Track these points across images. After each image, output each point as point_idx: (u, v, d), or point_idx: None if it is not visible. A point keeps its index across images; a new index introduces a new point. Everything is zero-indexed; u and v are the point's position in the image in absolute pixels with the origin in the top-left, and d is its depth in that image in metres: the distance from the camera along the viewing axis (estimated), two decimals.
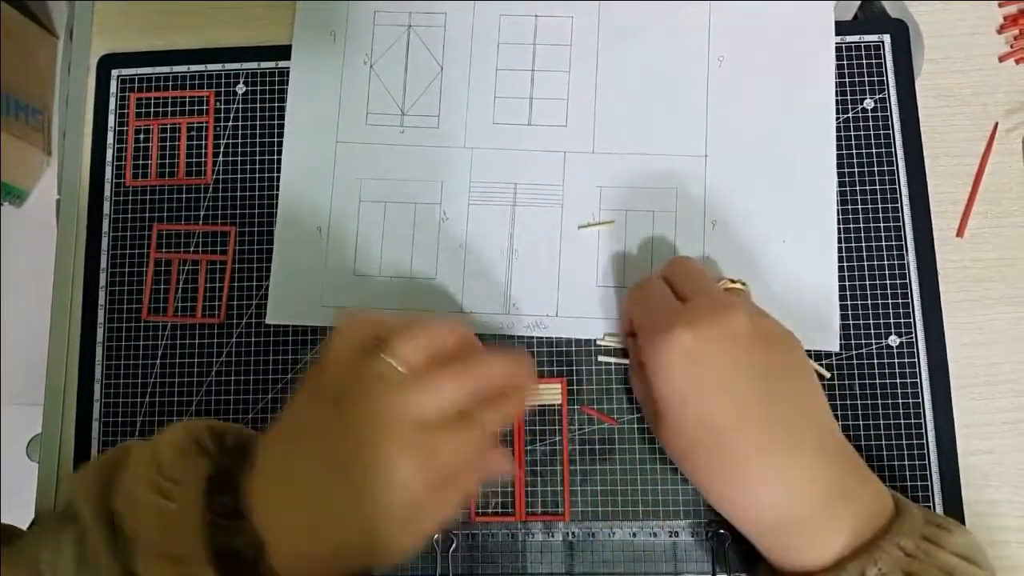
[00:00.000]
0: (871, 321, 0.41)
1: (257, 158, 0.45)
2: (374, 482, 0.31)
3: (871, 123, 0.43)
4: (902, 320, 0.41)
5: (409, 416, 0.31)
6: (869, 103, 0.43)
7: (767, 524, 0.34)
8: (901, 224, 0.42)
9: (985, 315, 0.41)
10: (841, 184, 0.42)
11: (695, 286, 0.36)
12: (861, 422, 0.40)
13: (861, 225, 0.42)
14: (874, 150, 0.43)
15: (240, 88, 0.46)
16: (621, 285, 0.42)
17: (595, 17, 0.45)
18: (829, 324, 0.41)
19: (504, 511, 0.40)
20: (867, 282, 0.41)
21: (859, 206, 0.42)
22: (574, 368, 0.42)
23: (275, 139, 0.45)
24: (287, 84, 0.45)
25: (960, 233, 0.42)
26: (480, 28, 0.45)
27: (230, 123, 0.45)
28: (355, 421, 0.31)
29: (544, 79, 0.44)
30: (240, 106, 0.46)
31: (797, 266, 0.42)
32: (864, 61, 0.43)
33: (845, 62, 0.43)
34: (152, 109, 0.46)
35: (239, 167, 0.45)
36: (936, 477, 0.39)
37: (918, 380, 0.40)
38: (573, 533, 0.40)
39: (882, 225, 0.42)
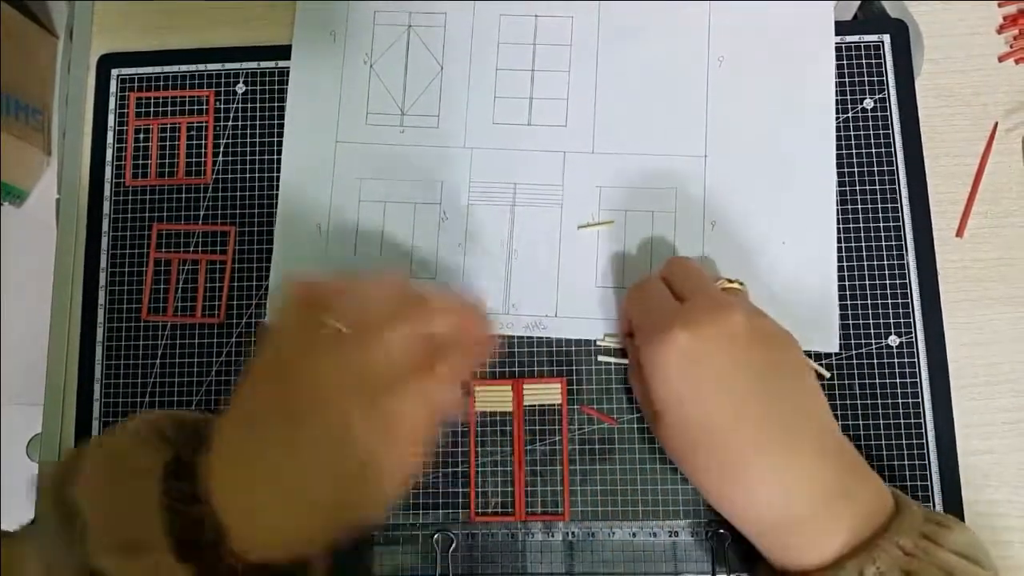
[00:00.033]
0: (871, 321, 0.41)
1: (257, 158, 0.45)
2: (332, 445, 0.30)
3: (871, 123, 0.43)
4: (902, 320, 0.41)
5: (356, 372, 0.31)
6: (869, 103, 0.43)
7: (766, 524, 0.34)
8: (901, 224, 0.42)
9: (985, 315, 0.41)
10: (841, 184, 0.42)
11: (693, 286, 0.36)
12: (861, 422, 0.40)
13: (861, 225, 0.42)
14: (874, 150, 0.43)
15: (240, 88, 0.46)
16: (620, 285, 0.42)
17: (595, 17, 0.45)
18: (829, 324, 0.41)
19: (504, 511, 0.40)
20: (867, 282, 0.41)
21: (859, 206, 0.42)
22: (574, 368, 0.42)
23: (275, 139, 0.45)
24: (287, 84, 0.45)
25: (960, 233, 0.42)
26: (480, 28, 0.45)
27: (230, 123, 0.45)
28: (304, 387, 0.31)
29: (544, 79, 0.44)
30: (240, 106, 0.46)
31: (797, 266, 0.42)
32: (864, 61, 0.43)
33: (845, 62, 0.43)
34: (152, 109, 0.46)
35: (239, 167, 0.45)
36: (936, 477, 0.39)
37: (918, 380, 0.40)
38: (573, 533, 0.40)
39: (882, 225, 0.42)
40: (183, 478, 0.31)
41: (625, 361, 0.41)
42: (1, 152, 0.90)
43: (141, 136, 0.46)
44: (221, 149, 0.45)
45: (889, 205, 0.42)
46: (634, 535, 0.40)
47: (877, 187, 0.42)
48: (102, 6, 0.48)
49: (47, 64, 0.98)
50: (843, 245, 0.42)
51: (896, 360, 0.41)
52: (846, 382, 0.41)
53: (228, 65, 0.46)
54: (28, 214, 0.99)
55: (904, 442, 0.40)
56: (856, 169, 0.42)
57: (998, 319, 0.41)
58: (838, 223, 0.42)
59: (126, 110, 0.46)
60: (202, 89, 0.46)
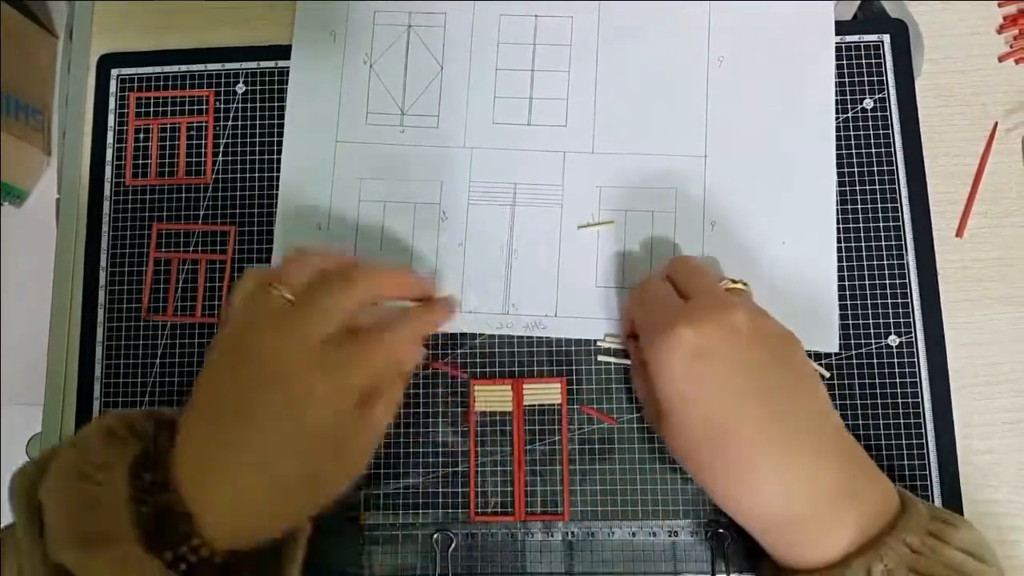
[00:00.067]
0: (871, 321, 0.41)
1: (257, 158, 0.45)
2: (290, 414, 0.31)
3: (871, 123, 0.43)
4: (902, 320, 0.41)
5: (302, 337, 0.31)
6: (869, 103, 0.43)
7: (770, 522, 0.34)
8: (901, 224, 0.42)
9: (985, 315, 0.41)
10: (841, 184, 0.42)
11: (698, 285, 0.36)
12: (861, 422, 0.40)
13: (861, 225, 0.42)
14: (874, 150, 0.43)
15: (240, 88, 0.46)
16: (620, 285, 0.42)
17: (595, 17, 0.45)
18: (829, 324, 0.41)
19: (503, 511, 0.40)
20: (867, 282, 0.41)
21: (859, 206, 0.42)
22: (574, 368, 0.42)
23: (275, 139, 0.45)
24: (287, 84, 0.45)
25: (960, 233, 0.42)
26: (480, 28, 0.45)
27: (230, 123, 0.45)
28: (256, 361, 0.32)
29: (544, 79, 0.44)
30: (240, 106, 0.46)
31: (797, 266, 0.42)
32: (864, 61, 0.43)
33: (845, 62, 0.43)
34: (152, 109, 0.46)
35: (239, 167, 0.45)
36: (936, 477, 0.39)
37: (918, 380, 0.40)
38: (572, 533, 0.40)
39: (882, 225, 0.42)
40: (153, 471, 0.31)
41: (625, 361, 0.41)
42: (1, 152, 0.90)
43: (141, 136, 0.46)
44: (221, 149, 0.45)
45: (889, 205, 0.42)
46: (634, 535, 0.40)
47: (877, 187, 0.42)
48: (102, 6, 0.48)
49: (47, 64, 0.98)
50: (843, 245, 0.42)
51: (896, 360, 0.41)
52: (846, 382, 0.41)
53: (228, 65, 0.46)
54: (28, 214, 0.99)
55: (904, 442, 0.40)
56: (856, 169, 0.42)
57: (998, 319, 0.41)
58: (838, 223, 0.42)
59: (126, 110, 0.46)
60: (202, 89, 0.46)
